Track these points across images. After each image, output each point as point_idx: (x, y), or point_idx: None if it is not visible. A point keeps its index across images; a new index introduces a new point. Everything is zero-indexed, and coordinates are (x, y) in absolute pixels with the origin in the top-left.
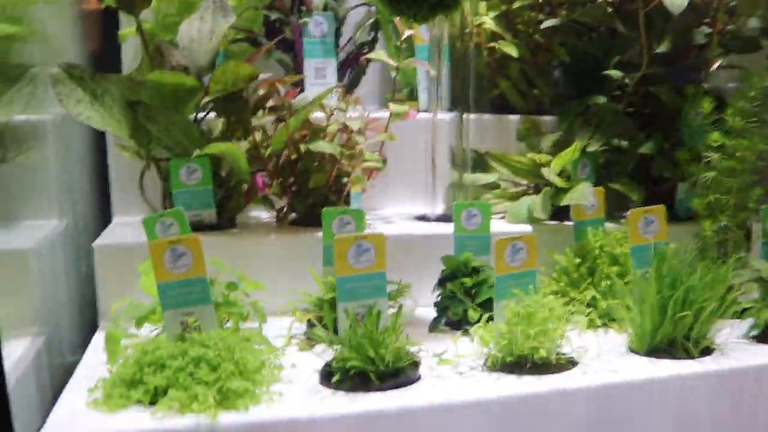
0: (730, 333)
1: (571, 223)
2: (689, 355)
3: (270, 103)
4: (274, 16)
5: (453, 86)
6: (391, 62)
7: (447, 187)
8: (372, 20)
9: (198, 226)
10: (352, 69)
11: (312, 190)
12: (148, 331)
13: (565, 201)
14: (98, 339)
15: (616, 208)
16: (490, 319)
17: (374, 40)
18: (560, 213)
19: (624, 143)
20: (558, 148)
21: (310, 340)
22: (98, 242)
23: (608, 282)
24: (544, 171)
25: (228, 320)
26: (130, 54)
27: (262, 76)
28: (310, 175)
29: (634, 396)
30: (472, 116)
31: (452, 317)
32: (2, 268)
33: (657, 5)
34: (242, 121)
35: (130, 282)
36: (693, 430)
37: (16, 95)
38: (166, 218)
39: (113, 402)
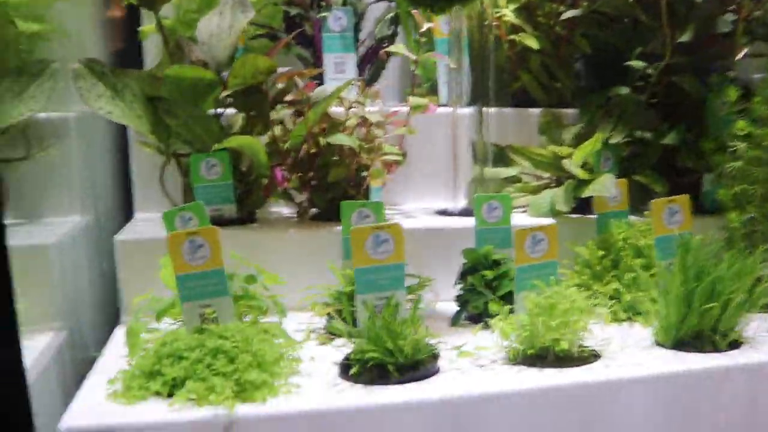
0: (758, 326)
1: (594, 216)
2: (716, 349)
3: (289, 97)
4: (293, 11)
5: (473, 80)
6: (411, 55)
7: (468, 181)
8: (392, 14)
9: (218, 221)
10: (371, 63)
11: (331, 185)
12: (167, 325)
13: (587, 193)
14: (120, 333)
15: (640, 201)
16: (511, 311)
17: (394, 35)
18: (583, 206)
19: (647, 135)
20: (580, 140)
21: (330, 334)
22: (119, 237)
23: (632, 274)
24: (566, 163)
25: (248, 314)
26: (152, 51)
27: (280, 70)
28: (329, 169)
29: (659, 390)
30: (492, 110)
31: (473, 311)
32: (25, 264)
33: None
34: (261, 115)
35: (151, 276)
36: (722, 426)
37: (38, 91)
38: (186, 212)
39: (132, 394)
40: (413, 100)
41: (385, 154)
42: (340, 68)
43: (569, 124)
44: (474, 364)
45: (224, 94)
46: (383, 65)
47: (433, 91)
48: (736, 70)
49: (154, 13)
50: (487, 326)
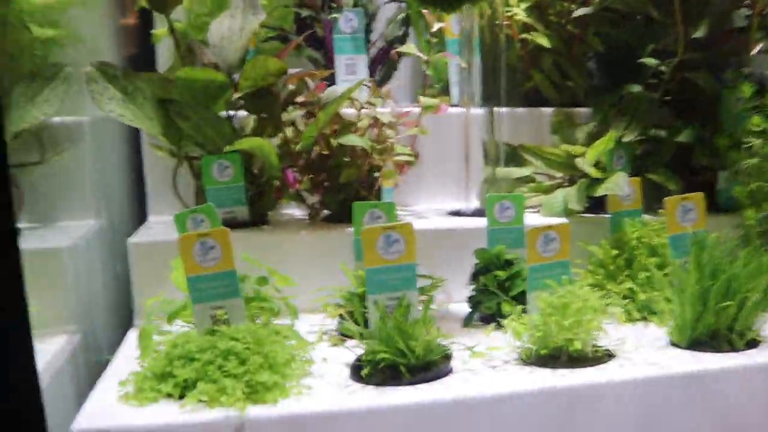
0: None
1: (607, 216)
2: (733, 348)
3: (300, 98)
4: (304, 13)
5: (484, 79)
6: (422, 56)
7: (481, 181)
8: (403, 15)
9: (230, 223)
10: (383, 64)
11: (343, 186)
12: (179, 327)
13: (600, 191)
14: (133, 335)
15: (654, 200)
16: (524, 311)
17: (405, 36)
18: (596, 205)
19: (661, 132)
20: (592, 139)
21: (342, 335)
22: (132, 240)
23: (646, 274)
24: (579, 161)
25: (260, 316)
26: (165, 55)
27: (291, 71)
28: (341, 170)
29: (675, 390)
30: (505, 110)
31: (485, 311)
32: (39, 267)
33: None
34: (273, 116)
35: (164, 279)
36: (738, 426)
37: (51, 95)
38: (197, 214)
39: (144, 395)
40: (424, 100)
41: (397, 154)
42: (351, 69)
43: (582, 123)
44: (487, 365)
45: (235, 96)
46: (395, 66)
47: (445, 91)
48: (751, 65)
49: (165, 17)
50: (499, 327)
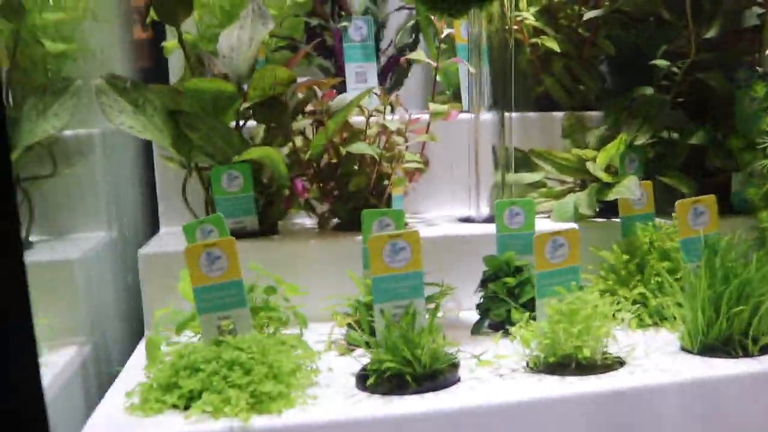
0: None
1: (619, 220)
2: (747, 354)
3: (309, 107)
4: (314, 22)
5: (494, 84)
6: (431, 62)
7: (491, 187)
8: (412, 22)
9: (240, 233)
10: (393, 72)
11: (353, 194)
12: (188, 338)
13: (611, 195)
14: (143, 346)
15: (667, 203)
16: (533, 318)
17: (416, 43)
18: (609, 210)
19: (673, 135)
20: (604, 143)
21: (349, 344)
22: (143, 251)
23: (658, 278)
24: (590, 165)
25: (268, 325)
26: (177, 67)
27: (301, 79)
28: (350, 178)
29: (686, 397)
30: (515, 115)
31: (495, 319)
32: (49, 279)
33: None
34: (282, 126)
35: (174, 289)
36: None
37: (61, 108)
38: (206, 224)
39: (149, 406)
40: (433, 106)
41: (407, 162)
42: (361, 78)
43: (593, 127)
44: (494, 373)
45: (244, 106)
46: (405, 73)
47: (456, 97)
48: (764, 65)
49: (175, 28)
50: (508, 334)
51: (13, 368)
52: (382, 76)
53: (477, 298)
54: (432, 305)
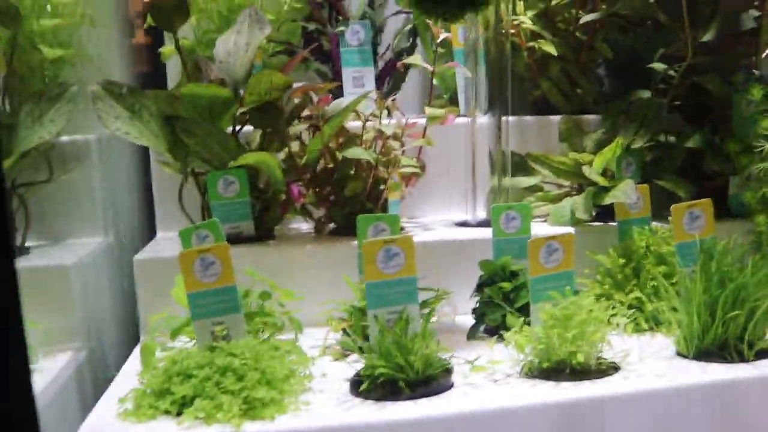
0: None
1: (615, 224)
2: (743, 359)
3: (305, 112)
4: (311, 27)
5: (491, 88)
6: (427, 66)
7: (488, 192)
8: (410, 27)
9: (236, 239)
10: (390, 77)
11: (349, 199)
12: (182, 343)
13: (607, 200)
14: (138, 352)
15: (665, 207)
16: (527, 323)
17: (413, 47)
18: (605, 214)
19: (670, 138)
20: (601, 147)
21: (344, 350)
22: (138, 257)
23: (654, 283)
24: (586, 169)
25: (263, 331)
26: (175, 72)
27: (297, 84)
28: (346, 183)
29: (681, 402)
30: (512, 119)
31: (490, 323)
32: (45, 285)
33: None
34: (278, 131)
35: (169, 295)
36: None
37: (56, 114)
38: (202, 230)
39: (142, 412)
40: (429, 111)
41: (403, 166)
42: (358, 82)
43: (591, 131)
44: (488, 379)
45: (240, 111)
46: (402, 78)
47: (453, 101)
48: (762, 68)
49: (172, 34)
50: (503, 339)
51: (2, 373)
52: (379, 81)
53: (473, 302)
54: (427, 310)
